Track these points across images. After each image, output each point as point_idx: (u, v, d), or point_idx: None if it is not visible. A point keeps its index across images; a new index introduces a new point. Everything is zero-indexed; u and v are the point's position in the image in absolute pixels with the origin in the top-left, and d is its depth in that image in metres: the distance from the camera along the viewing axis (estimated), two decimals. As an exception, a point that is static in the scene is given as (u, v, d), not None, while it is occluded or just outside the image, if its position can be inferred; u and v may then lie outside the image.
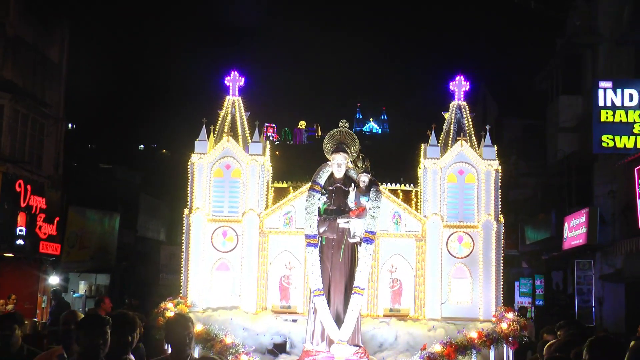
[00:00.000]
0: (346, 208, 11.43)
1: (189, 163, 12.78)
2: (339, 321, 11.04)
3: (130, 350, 6.14)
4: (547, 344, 8.54)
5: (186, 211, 12.71)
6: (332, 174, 11.68)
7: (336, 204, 11.52)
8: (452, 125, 12.98)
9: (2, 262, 21.54)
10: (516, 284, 29.06)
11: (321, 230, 11.37)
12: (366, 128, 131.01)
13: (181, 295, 12.46)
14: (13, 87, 21.95)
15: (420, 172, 12.87)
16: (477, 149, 12.80)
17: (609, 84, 21.81)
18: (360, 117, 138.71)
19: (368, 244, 11.24)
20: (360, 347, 11.08)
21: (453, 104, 13.11)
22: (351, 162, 11.90)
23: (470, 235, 12.53)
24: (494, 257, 12.46)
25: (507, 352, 11.62)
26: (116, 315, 6.07)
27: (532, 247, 29.13)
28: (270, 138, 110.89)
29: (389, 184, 12.85)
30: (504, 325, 11.57)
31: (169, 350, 6.75)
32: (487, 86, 37.75)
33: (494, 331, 11.54)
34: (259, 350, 11.73)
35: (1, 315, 7.76)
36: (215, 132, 12.96)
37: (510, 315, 11.94)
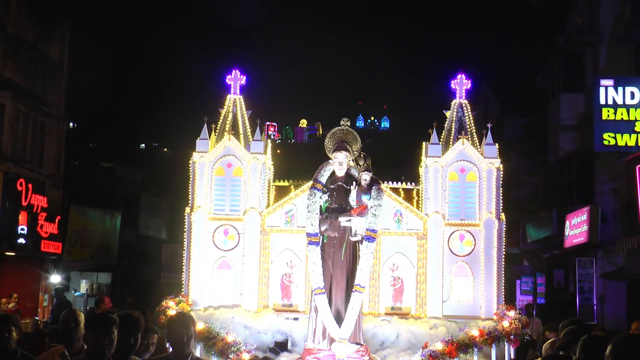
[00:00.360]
0: (348, 206, 11.43)
1: (191, 162, 12.79)
2: (339, 319, 11.05)
3: (134, 351, 6.15)
4: (548, 342, 8.54)
5: (187, 210, 12.73)
6: (333, 173, 11.68)
7: (338, 203, 11.52)
8: (453, 124, 12.98)
9: (4, 261, 21.56)
10: (517, 282, 29.05)
11: (323, 228, 11.37)
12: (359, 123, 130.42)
13: (183, 293, 12.48)
14: (14, 86, 21.95)
15: (421, 170, 12.87)
16: (478, 147, 12.79)
17: (610, 82, 21.79)
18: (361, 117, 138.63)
19: (369, 242, 11.24)
20: (361, 345, 11.09)
21: (454, 102, 13.11)
22: (352, 160, 11.89)
23: (471, 234, 12.53)
24: (496, 255, 12.46)
25: (509, 350, 11.64)
26: (120, 316, 6.07)
27: (533, 245, 29.13)
28: (272, 136, 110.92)
29: (390, 183, 12.87)
30: (506, 324, 11.59)
31: (171, 349, 6.76)
32: (488, 84, 37.71)
33: (496, 329, 11.55)
34: (261, 348, 11.76)
35: None
36: (217, 131, 12.97)
37: (512, 313, 11.95)
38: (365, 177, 11.44)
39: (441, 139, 12.90)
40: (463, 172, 12.72)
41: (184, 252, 12.80)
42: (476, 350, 11.33)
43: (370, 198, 11.32)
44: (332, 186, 11.60)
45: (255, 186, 12.58)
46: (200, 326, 11.15)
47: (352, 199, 11.40)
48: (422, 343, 11.43)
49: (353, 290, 11.12)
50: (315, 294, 11.17)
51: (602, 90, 21.75)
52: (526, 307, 18.95)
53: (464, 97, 13.12)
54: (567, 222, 24.10)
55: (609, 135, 21.46)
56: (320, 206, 11.51)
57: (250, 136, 12.97)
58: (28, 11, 23.78)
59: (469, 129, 12.88)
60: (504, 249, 12.66)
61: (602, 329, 12.29)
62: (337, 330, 10.91)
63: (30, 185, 21.42)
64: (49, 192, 23.41)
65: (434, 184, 12.59)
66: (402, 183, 13.02)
